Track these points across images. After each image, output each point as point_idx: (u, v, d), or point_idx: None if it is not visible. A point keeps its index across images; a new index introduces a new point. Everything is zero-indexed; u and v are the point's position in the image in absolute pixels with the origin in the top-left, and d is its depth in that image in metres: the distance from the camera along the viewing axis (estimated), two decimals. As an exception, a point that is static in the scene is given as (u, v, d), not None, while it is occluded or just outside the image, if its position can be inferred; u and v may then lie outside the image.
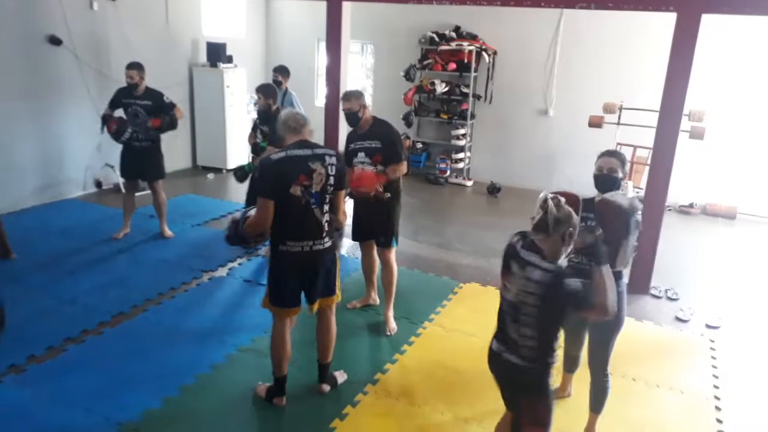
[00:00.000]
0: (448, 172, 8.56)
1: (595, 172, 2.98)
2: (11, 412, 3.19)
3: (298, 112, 3.34)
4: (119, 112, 5.42)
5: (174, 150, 7.62)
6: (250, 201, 5.19)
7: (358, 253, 4.63)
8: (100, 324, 4.15)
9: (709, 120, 6.36)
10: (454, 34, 8.26)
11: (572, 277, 2.27)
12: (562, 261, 2.39)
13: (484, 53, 8.13)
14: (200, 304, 4.54)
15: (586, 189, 3.06)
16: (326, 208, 3.14)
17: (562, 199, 2.36)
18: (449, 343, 4.18)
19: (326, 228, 3.16)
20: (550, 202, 2.32)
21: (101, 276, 4.90)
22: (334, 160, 3.14)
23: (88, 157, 7.03)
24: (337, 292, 3.39)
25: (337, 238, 3.34)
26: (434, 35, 8.30)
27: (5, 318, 2.70)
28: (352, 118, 3.97)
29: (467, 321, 4.42)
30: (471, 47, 8.04)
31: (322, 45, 7.31)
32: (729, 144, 7.24)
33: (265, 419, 3.35)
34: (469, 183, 8.53)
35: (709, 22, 4.69)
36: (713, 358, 4.19)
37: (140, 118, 5.31)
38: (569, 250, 2.38)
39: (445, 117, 8.52)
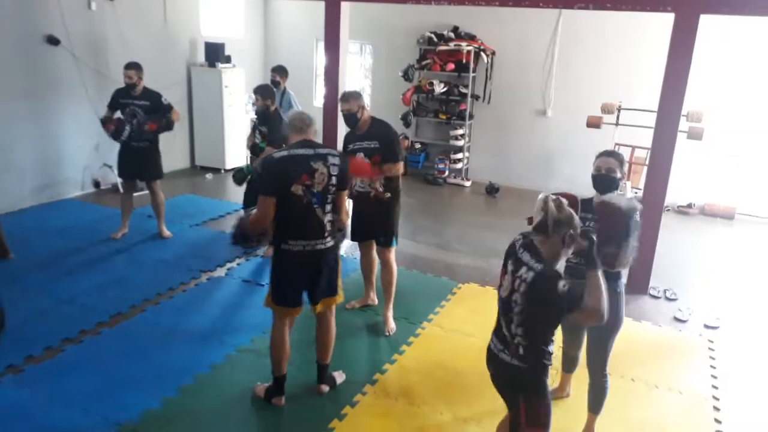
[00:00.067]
0: (447, 173, 8.56)
1: (594, 172, 2.98)
2: (9, 413, 3.18)
3: (304, 113, 3.35)
4: (118, 114, 5.41)
5: (172, 150, 7.61)
6: (248, 203, 5.20)
7: (357, 254, 4.63)
8: (99, 324, 4.14)
9: (708, 120, 6.37)
10: (452, 35, 8.26)
11: (564, 279, 2.26)
12: (562, 263, 2.39)
13: (482, 53, 8.14)
14: (199, 305, 4.53)
15: (585, 189, 3.06)
16: (328, 208, 3.15)
17: (564, 201, 2.36)
18: (448, 343, 4.18)
19: (328, 228, 3.17)
20: (551, 204, 2.31)
21: (99, 276, 4.89)
22: (336, 160, 3.14)
23: (86, 157, 7.02)
24: (339, 292, 3.39)
25: (340, 238, 3.35)
26: (433, 35, 8.30)
27: (5, 320, 2.70)
28: (351, 119, 3.97)
29: (466, 321, 4.43)
30: (469, 47, 8.05)
31: (321, 45, 7.30)
32: (727, 144, 7.25)
33: (264, 419, 3.35)
34: (468, 183, 8.54)
35: (707, 23, 4.69)
36: (712, 358, 4.19)
37: (138, 119, 5.31)
38: (570, 252, 2.38)
39: (444, 117, 8.52)
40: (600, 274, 2.34)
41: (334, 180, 3.12)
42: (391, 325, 4.29)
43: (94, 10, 6.83)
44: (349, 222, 3.34)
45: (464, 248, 6.01)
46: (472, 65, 8.12)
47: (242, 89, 8.39)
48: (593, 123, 6.78)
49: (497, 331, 2.50)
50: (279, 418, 3.34)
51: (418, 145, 8.79)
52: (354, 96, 3.98)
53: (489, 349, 2.55)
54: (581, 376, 3.35)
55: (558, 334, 2.43)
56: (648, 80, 6.52)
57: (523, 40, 8.08)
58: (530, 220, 2.47)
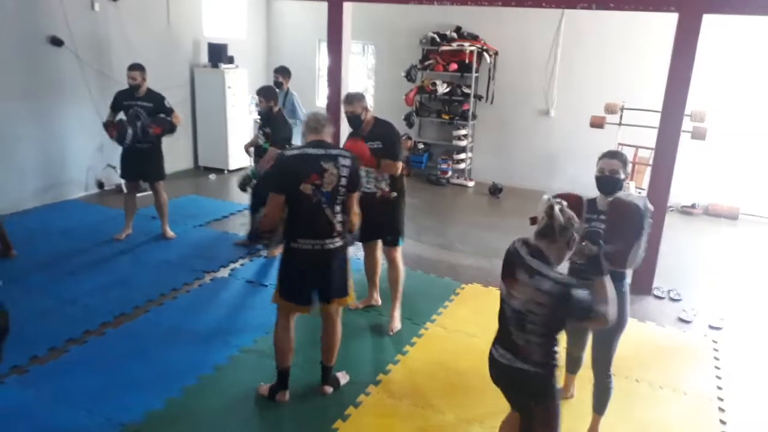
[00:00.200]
0: (450, 173, 8.56)
1: (597, 174, 2.97)
2: (14, 413, 3.20)
3: (320, 113, 3.37)
4: (121, 115, 5.42)
5: (175, 151, 7.62)
6: (255, 205, 5.21)
7: (360, 254, 4.64)
8: (102, 325, 4.15)
9: (711, 120, 6.35)
10: (455, 35, 8.25)
11: (579, 286, 2.28)
12: (564, 264, 2.39)
13: (485, 54, 8.13)
14: (202, 305, 4.54)
15: (588, 189, 3.05)
16: (338, 208, 3.16)
17: (564, 203, 2.36)
18: (451, 343, 4.18)
19: (338, 228, 3.17)
20: (557, 209, 2.31)
21: (103, 277, 4.90)
22: (348, 162, 3.15)
23: (89, 157, 7.04)
24: (350, 292, 3.40)
25: (350, 239, 3.36)
26: (435, 36, 8.29)
27: (9, 322, 2.70)
28: (355, 120, 3.98)
29: (469, 322, 4.42)
30: (472, 48, 8.04)
31: (324, 45, 7.30)
32: (731, 144, 7.23)
33: (268, 420, 3.35)
34: (471, 183, 8.53)
35: (710, 22, 4.68)
36: (716, 359, 4.18)
37: (141, 121, 5.31)
38: (570, 253, 2.40)
39: (447, 117, 8.51)
40: (608, 279, 2.35)
41: (344, 181, 3.12)
42: (397, 324, 4.30)
43: (98, 11, 6.85)
44: (358, 223, 3.34)
45: (467, 248, 6.00)
46: (474, 65, 8.11)
47: (245, 90, 8.40)
48: (596, 123, 6.76)
49: (503, 340, 2.47)
50: (282, 419, 3.34)
51: (421, 146, 8.79)
52: (357, 98, 3.98)
53: (494, 359, 2.51)
54: (585, 377, 3.34)
55: (561, 335, 2.42)
56: (651, 80, 6.51)
57: (525, 40, 8.07)
58: (533, 221, 2.47)
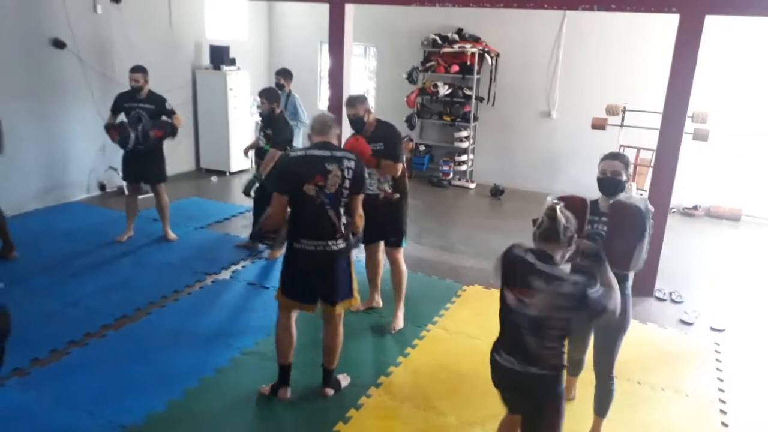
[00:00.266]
0: (451, 175, 8.55)
1: (599, 175, 2.96)
2: (15, 415, 3.20)
3: (326, 115, 3.38)
4: (121, 117, 5.43)
5: (177, 153, 7.63)
6: (259, 208, 5.23)
7: (361, 256, 4.64)
8: (104, 327, 4.15)
9: (713, 122, 6.34)
10: (456, 37, 8.26)
11: (592, 284, 2.30)
12: (565, 264, 2.40)
13: (486, 55, 8.13)
14: (204, 307, 4.54)
15: (590, 191, 3.05)
16: (342, 210, 3.17)
17: (561, 203, 2.37)
18: (453, 346, 4.17)
19: (341, 230, 3.18)
20: (559, 211, 2.32)
21: (105, 279, 4.90)
22: (352, 164, 3.15)
23: (91, 159, 7.05)
24: (355, 294, 3.40)
25: (354, 242, 3.37)
26: (437, 37, 8.30)
27: (10, 324, 2.70)
28: (358, 123, 3.99)
29: (471, 324, 4.42)
30: (474, 49, 8.04)
31: (325, 47, 7.30)
32: (733, 146, 7.22)
33: (269, 422, 3.35)
34: (472, 185, 8.52)
35: (712, 23, 4.67)
36: (718, 361, 4.17)
37: (143, 123, 5.32)
38: (571, 252, 2.41)
39: (448, 119, 8.51)
40: (608, 268, 2.38)
41: (347, 183, 3.13)
42: (399, 323, 4.31)
43: (100, 14, 6.87)
44: (362, 226, 3.34)
45: (469, 250, 6.00)
46: (476, 67, 8.12)
47: (247, 92, 8.41)
48: (598, 124, 6.75)
49: (510, 347, 2.44)
50: (284, 421, 3.34)
51: (422, 148, 8.79)
52: (360, 100, 4.00)
53: (499, 365, 2.48)
54: (586, 379, 3.34)
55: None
56: (653, 81, 6.49)
57: (527, 42, 8.07)
58: (535, 222, 2.47)
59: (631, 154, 6.51)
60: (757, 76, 6.99)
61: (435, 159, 8.82)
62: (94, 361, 3.75)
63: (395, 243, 4.26)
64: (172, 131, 5.47)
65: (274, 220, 3.20)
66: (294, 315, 3.41)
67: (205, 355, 3.88)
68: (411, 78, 8.47)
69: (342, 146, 3.73)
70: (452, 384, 3.71)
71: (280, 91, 5.88)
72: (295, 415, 3.37)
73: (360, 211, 3.28)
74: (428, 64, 8.39)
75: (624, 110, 6.74)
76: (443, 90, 8.33)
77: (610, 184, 2.93)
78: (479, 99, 8.41)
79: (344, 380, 3.60)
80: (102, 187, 7.24)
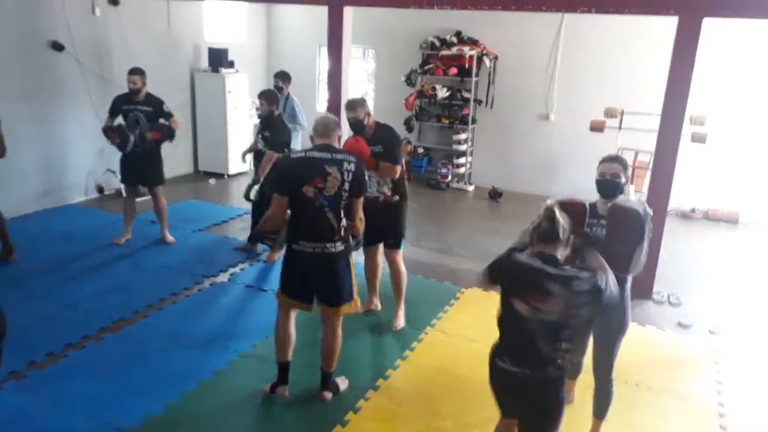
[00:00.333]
0: (450, 177, 8.55)
1: (598, 177, 2.96)
2: (12, 419, 3.19)
3: (329, 117, 3.38)
4: (119, 120, 5.43)
5: (175, 155, 7.62)
6: (257, 211, 5.24)
7: (360, 258, 4.64)
8: (101, 330, 4.14)
9: (711, 124, 6.35)
10: (455, 39, 8.27)
11: (594, 273, 2.35)
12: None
13: (485, 58, 8.14)
14: (202, 310, 4.53)
15: (588, 193, 3.05)
16: (341, 213, 3.17)
17: (557, 203, 2.40)
18: (451, 348, 4.17)
19: (340, 233, 3.18)
20: (557, 212, 2.32)
21: (103, 281, 4.89)
22: (352, 167, 3.15)
23: (89, 162, 7.04)
24: (355, 297, 3.39)
25: (354, 244, 3.38)
26: (435, 40, 8.31)
27: (6, 325, 2.69)
28: (358, 125, 4.00)
29: (469, 326, 4.41)
30: (472, 52, 8.05)
31: (324, 50, 7.31)
32: (731, 148, 7.22)
33: (267, 425, 3.34)
34: (471, 188, 8.53)
35: (710, 26, 4.68)
36: (716, 363, 4.17)
37: (141, 125, 5.32)
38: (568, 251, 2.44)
39: (447, 122, 8.52)
40: (596, 252, 2.52)
41: (347, 186, 3.13)
42: (400, 322, 4.34)
43: (99, 16, 6.87)
44: (362, 229, 3.34)
45: (467, 253, 5.99)
46: (474, 70, 8.13)
47: (245, 94, 8.41)
48: (596, 127, 6.77)
49: (515, 354, 2.43)
50: (282, 424, 3.33)
51: (420, 150, 8.79)
52: (360, 103, 4.01)
53: (503, 371, 2.46)
54: (585, 381, 3.33)
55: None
56: (651, 84, 6.50)
57: (525, 45, 8.08)
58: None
59: (629, 157, 6.51)
60: (755, 79, 7.00)
61: (433, 161, 8.83)
62: (91, 364, 3.74)
63: (393, 245, 4.28)
64: (169, 134, 5.47)
65: (273, 221, 3.22)
66: (293, 314, 3.43)
67: (203, 357, 3.87)
68: (409, 80, 8.47)
69: (341, 146, 3.74)
70: (451, 387, 3.70)
71: (279, 94, 5.87)
72: (294, 418, 3.36)
73: (360, 214, 3.28)
74: (427, 67, 8.40)
75: (622, 113, 6.75)
76: (442, 93, 8.34)
77: (608, 186, 2.94)
78: (477, 101, 8.42)
79: (343, 383, 3.59)
80: (100, 189, 7.23)
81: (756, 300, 5.27)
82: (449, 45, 8.23)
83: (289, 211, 3.22)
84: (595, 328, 3.03)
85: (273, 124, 5.21)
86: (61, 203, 6.80)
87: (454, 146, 8.47)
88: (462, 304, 4.85)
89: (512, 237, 2.56)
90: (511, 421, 2.66)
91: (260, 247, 5.67)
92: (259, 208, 5.10)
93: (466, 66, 8.12)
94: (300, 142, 6.62)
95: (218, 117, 8.19)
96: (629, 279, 2.97)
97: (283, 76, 6.62)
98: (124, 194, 5.94)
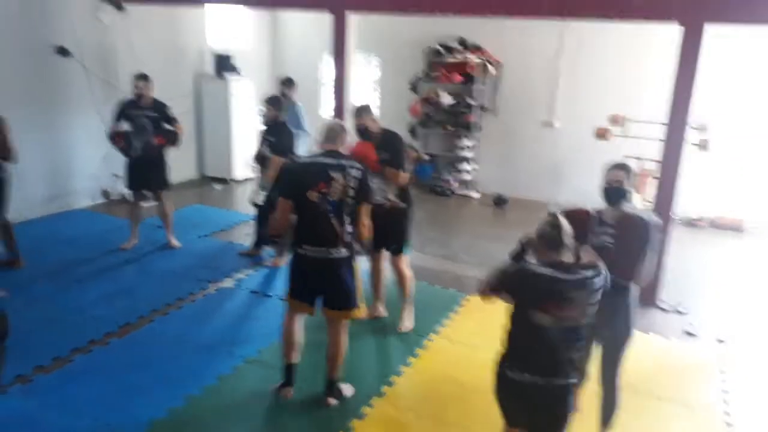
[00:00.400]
0: (454, 184, 8.56)
1: (604, 185, 2.96)
2: (18, 422, 3.20)
3: (336, 122, 3.42)
4: (125, 125, 5.45)
5: (181, 160, 7.63)
6: (261, 216, 5.25)
7: (365, 265, 4.65)
8: (107, 334, 4.15)
9: (716, 132, 6.34)
10: (459, 46, 8.30)
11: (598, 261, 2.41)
12: None
13: (489, 65, 8.16)
14: (207, 315, 4.54)
15: (593, 201, 3.05)
16: (346, 219, 3.18)
17: (559, 210, 2.43)
18: (456, 356, 4.16)
19: (344, 238, 3.19)
20: (560, 218, 2.33)
21: (108, 286, 4.91)
22: (358, 173, 3.16)
23: (95, 167, 7.06)
24: (361, 305, 3.39)
25: (360, 250, 3.40)
26: (440, 47, 8.34)
27: (8, 326, 2.70)
28: (364, 133, 4.03)
29: (474, 333, 4.40)
30: (476, 59, 8.08)
31: (328, 57, 7.33)
32: (736, 156, 7.21)
33: (271, 431, 3.33)
34: (476, 194, 8.53)
35: (713, 32, 4.68)
36: (723, 372, 4.15)
37: (146, 130, 5.34)
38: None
39: (451, 128, 8.54)
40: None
41: (351, 192, 3.14)
42: (407, 323, 4.36)
43: (105, 22, 6.90)
44: (368, 236, 3.35)
45: (472, 259, 5.99)
46: (479, 77, 8.14)
47: (250, 100, 8.44)
48: (601, 134, 6.77)
49: (532, 364, 2.41)
50: (286, 430, 3.33)
51: (425, 157, 8.80)
52: (366, 110, 4.05)
53: (518, 383, 2.44)
54: (591, 390, 3.32)
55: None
56: (655, 91, 6.49)
57: (529, 52, 8.10)
58: None
59: (633, 165, 6.49)
60: (759, 86, 6.99)
61: (438, 168, 8.84)
62: (97, 368, 3.75)
63: (396, 250, 4.29)
64: (175, 139, 5.49)
65: (278, 224, 3.26)
66: (300, 317, 3.45)
67: (208, 362, 3.87)
68: (414, 87, 8.49)
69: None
70: (455, 394, 3.69)
71: (284, 101, 5.91)
72: (298, 424, 3.36)
73: (365, 220, 3.29)
74: (431, 74, 8.42)
75: (626, 120, 6.75)
76: (446, 99, 8.36)
77: (614, 193, 2.93)
78: (482, 108, 8.43)
79: (347, 390, 3.59)
80: (106, 194, 7.26)
81: (763, 308, 5.25)
82: (453, 52, 8.26)
83: (294, 215, 3.24)
84: (601, 336, 3.02)
85: (278, 130, 5.24)
86: (67, 208, 6.82)
87: (459, 153, 8.48)
88: (467, 311, 4.84)
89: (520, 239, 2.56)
90: (515, 430, 2.65)
91: (265, 252, 5.69)
92: (264, 213, 5.12)
93: (471, 73, 8.14)
94: (304, 148, 6.64)
95: (223, 123, 8.22)
96: (633, 287, 2.96)
97: (287, 83, 6.65)
98: (130, 199, 5.96)
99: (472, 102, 8.32)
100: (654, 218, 2.78)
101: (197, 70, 8.33)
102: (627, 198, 2.97)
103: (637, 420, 3.51)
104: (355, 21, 6.04)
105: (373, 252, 4.35)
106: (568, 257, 2.36)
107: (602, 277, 2.36)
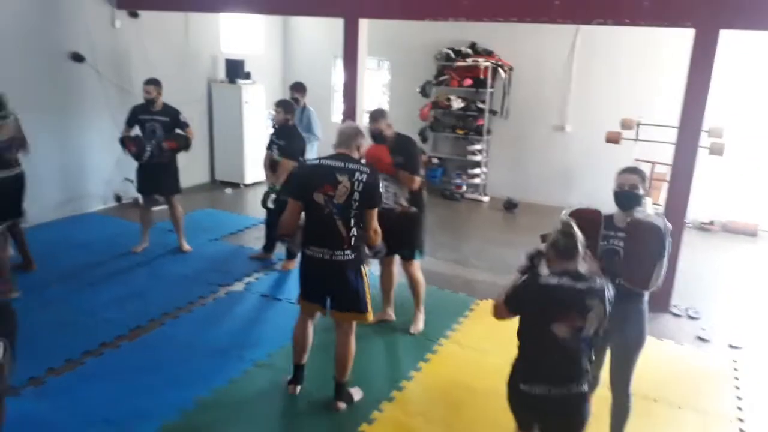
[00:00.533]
0: (464, 188, 8.54)
1: (616, 189, 2.93)
2: (30, 424, 3.21)
3: (351, 126, 3.42)
4: (136, 130, 5.51)
5: (192, 165, 7.69)
6: (271, 218, 5.27)
7: (375, 269, 4.65)
8: (119, 337, 4.18)
9: (729, 136, 6.29)
10: (470, 51, 8.29)
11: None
12: None
13: (500, 69, 8.15)
14: (217, 319, 4.56)
15: (605, 205, 3.03)
16: (352, 222, 3.18)
17: (573, 219, 2.41)
18: (466, 361, 4.15)
19: (350, 241, 3.19)
20: (574, 227, 2.32)
21: (120, 289, 4.94)
22: (364, 177, 3.16)
23: (108, 171, 7.13)
24: (369, 309, 3.38)
25: (370, 254, 3.42)
26: (450, 51, 8.34)
27: (16, 323, 2.70)
28: (379, 137, 4.05)
29: (484, 338, 4.38)
30: (487, 63, 8.07)
31: (339, 61, 7.37)
32: (750, 160, 7.14)
33: (281, 435, 3.35)
34: (486, 198, 8.51)
35: (728, 37, 4.64)
36: (736, 378, 4.10)
37: (158, 135, 5.39)
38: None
39: (461, 132, 8.53)
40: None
41: (356, 195, 3.13)
42: (420, 325, 4.39)
43: (118, 28, 6.99)
44: (379, 241, 3.35)
45: (482, 264, 5.97)
46: (489, 81, 8.14)
47: (262, 105, 8.49)
48: (612, 139, 6.73)
49: (547, 375, 2.39)
50: (296, 434, 3.33)
51: (435, 161, 8.80)
52: (382, 115, 4.10)
53: (533, 396, 2.41)
54: (602, 396, 3.29)
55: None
56: (668, 95, 6.47)
57: (540, 56, 8.08)
58: (543, 238, 2.46)
59: (645, 169, 6.45)
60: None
61: (448, 172, 8.83)
62: (108, 370, 3.77)
63: (408, 256, 4.30)
64: (186, 144, 5.53)
65: (288, 224, 3.29)
66: (311, 320, 3.49)
67: (218, 366, 3.89)
68: (424, 91, 8.50)
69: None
70: (465, 399, 3.68)
71: (295, 105, 5.94)
72: (307, 428, 3.36)
73: (374, 225, 3.28)
74: (441, 78, 8.43)
75: (638, 124, 6.71)
76: (456, 103, 8.36)
77: (627, 197, 2.90)
78: (492, 112, 8.42)
79: (357, 394, 3.58)
80: (118, 198, 7.32)
81: (776, 314, 5.19)
82: (464, 56, 8.26)
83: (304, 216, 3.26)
84: (612, 342, 2.99)
85: (288, 134, 5.26)
86: (79, 212, 6.89)
87: (469, 157, 8.47)
88: (477, 315, 4.82)
89: (527, 248, 2.54)
90: None
91: (275, 256, 5.71)
92: (273, 215, 5.13)
93: (481, 77, 8.14)
94: (315, 153, 6.66)
95: (235, 127, 8.27)
96: (646, 293, 2.93)
97: (299, 88, 6.67)
98: (141, 203, 6.00)
99: (483, 106, 8.31)
100: (666, 223, 2.75)
101: (210, 76, 8.39)
102: (639, 203, 2.94)
103: (648, 426, 3.48)
104: (366, 25, 6.06)
105: (385, 257, 4.35)
106: (581, 266, 2.35)
107: (608, 287, 2.35)
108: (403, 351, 4.22)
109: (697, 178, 4.88)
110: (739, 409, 3.74)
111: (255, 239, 6.30)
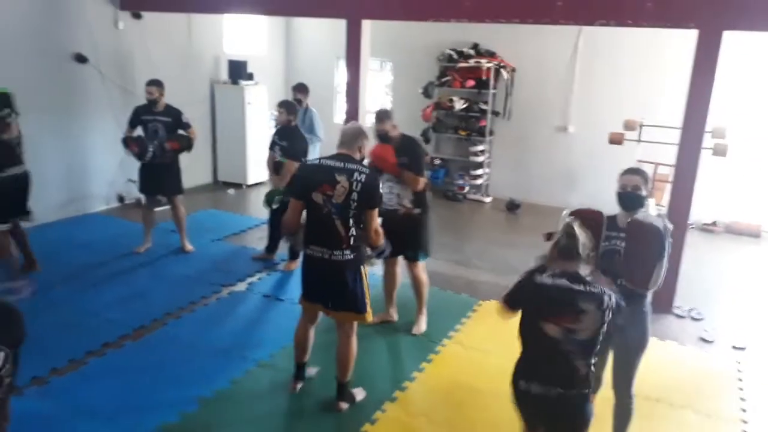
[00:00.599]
0: (467, 189, 8.54)
1: (619, 190, 2.93)
2: (33, 424, 3.21)
3: (355, 126, 3.44)
4: (138, 131, 5.52)
5: (195, 165, 7.70)
6: (274, 218, 5.28)
7: (378, 270, 4.65)
8: (121, 337, 4.19)
9: (733, 137, 6.27)
10: (472, 52, 8.29)
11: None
12: None
13: (502, 70, 8.15)
14: (220, 319, 4.56)
15: (607, 206, 3.03)
16: (351, 222, 3.18)
17: (577, 220, 2.39)
18: (468, 361, 4.14)
19: (349, 241, 3.19)
20: (576, 226, 2.31)
21: (123, 289, 4.95)
22: (363, 177, 3.16)
23: (111, 172, 7.14)
24: (368, 309, 3.38)
25: (375, 255, 3.43)
26: (453, 52, 8.34)
27: (24, 328, 2.71)
28: (384, 138, 4.07)
29: (487, 339, 4.38)
30: (489, 64, 8.07)
31: (342, 62, 7.38)
32: (753, 161, 7.13)
33: (284, 435, 3.35)
34: (488, 199, 8.50)
35: (731, 38, 4.64)
36: (740, 380, 4.09)
37: (160, 135, 5.40)
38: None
39: (464, 133, 8.53)
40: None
41: (355, 196, 3.13)
42: (422, 326, 4.38)
43: (121, 29, 7.00)
44: (381, 241, 3.34)
45: (485, 265, 5.97)
46: (492, 82, 8.14)
47: (265, 106, 8.50)
48: (615, 140, 6.73)
49: (547, 376, 2.39)
50: (298, 435, 3.33)
51: (437, 161, 8.80)
52: (387, 115, 4.12)
53: (534, 396, 2.42)
54: (605, 397, 3.28)
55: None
56: (671, 96, 6.46)
57: (543, 57, 8.08)
58: (548, 236, 2.45)
59: (648, 170, 6.44)
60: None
61: (450, 173, 8.83)
62: (111, 370, 3.78)
63: (412, 257, 4.31)
64: (188, 144, 5.54)
65: (289, 223, 3.31)
66: (312, 321, 3.50)
67: (221, 366, 3.89)
68: (427, 92, 8.50)
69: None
70: (468, 400, 3.68)
71: (298, 106, 5.95)
72: (310, 428, 3.36)
73: (375, 226, 3.28)
74: (444, 79, 8.43)
75: (641, 125, 6.70)
76: (459, 104, 8.36)
77: (630, 198, 2.90)
78: (495, 113, 8.42)
79: (359, 394, 3.58)
80: (121, 198, 7.33)
81: (780, 315, 5.17)
82: (466, 57, 8.26)
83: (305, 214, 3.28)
84: (615, 344, 2.99)
85: (290, 134, 5.26)
86: (82, 212, 6.90)
87: (472, 158, 8.46)
88: (479, 316, 4.82)
89: (530, 249, 2.55)
90: None
91: (278, 256, 5.71)
92: (276, 216, 5.14)
93: (484, 78, 8.14)
94: (317, 154, 6.66)
95: (237, 128, 8.28)
96: (649, 293, 2.93)
97: (301, 89, 6.68)
98: (144, 204, 6.01)
99: (485, 107, 8.31)
100: (666, 224, 2.75)
101: (212, 77, 8.40)
102: (642, 204, 2.94)
103: (651, 428, 3.47)
104: (368, 26, 6.07)
105: (387, 258, 4.35)
106: (583, 268, 2.34)
107: (613, 297, 2.33)
108: (406, 351, 4.22)
109: (700, 179, 4.87)
110: (743, 410, 3.73)
111: (257, 240, 6.31)
